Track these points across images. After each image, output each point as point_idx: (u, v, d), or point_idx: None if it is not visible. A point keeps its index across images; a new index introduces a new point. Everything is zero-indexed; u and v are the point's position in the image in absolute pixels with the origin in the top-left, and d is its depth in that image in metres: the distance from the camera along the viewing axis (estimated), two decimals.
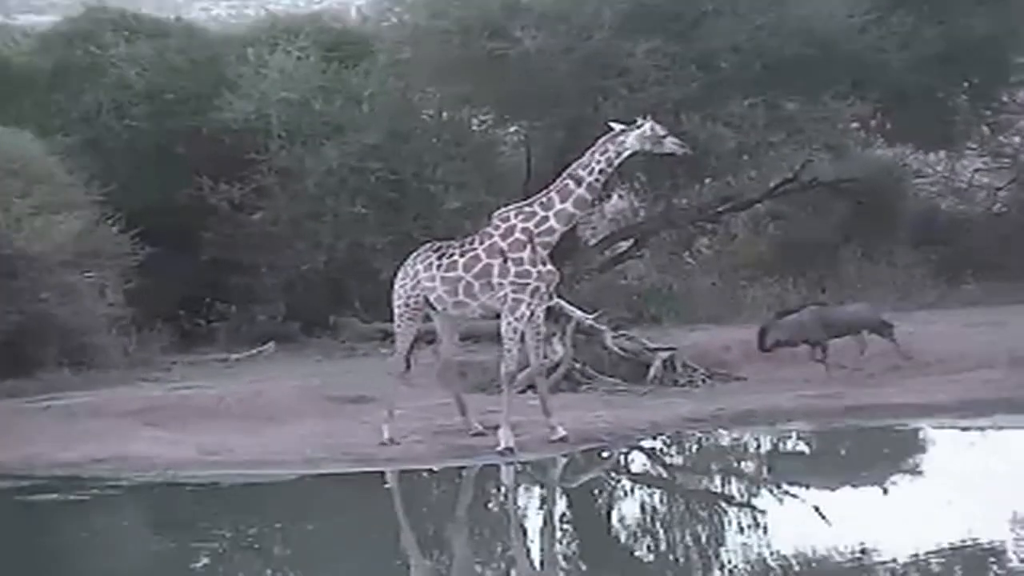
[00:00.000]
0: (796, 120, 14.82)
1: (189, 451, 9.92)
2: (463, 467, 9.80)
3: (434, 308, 10.06)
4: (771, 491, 9.30)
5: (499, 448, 9.68)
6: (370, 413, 10.73)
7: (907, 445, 10.59)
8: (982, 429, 10.62)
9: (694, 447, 10.78)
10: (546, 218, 9.65)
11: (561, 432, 9.98)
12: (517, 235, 9.67)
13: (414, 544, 8.20)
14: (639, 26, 14.06)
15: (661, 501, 9.38)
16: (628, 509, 9.00)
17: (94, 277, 12.72)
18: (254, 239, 14.97)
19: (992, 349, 11.98)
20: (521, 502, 9.32)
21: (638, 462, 10.51)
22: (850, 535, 7.72)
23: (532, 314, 9.74)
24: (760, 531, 8.15)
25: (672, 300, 15.06)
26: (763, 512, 8.62)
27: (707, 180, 17.17)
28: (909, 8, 14.78)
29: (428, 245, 10.20)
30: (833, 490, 9.21)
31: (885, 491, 9.16)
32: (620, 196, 19.19)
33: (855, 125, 16.12)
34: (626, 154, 9.67)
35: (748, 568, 7.39)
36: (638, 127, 9.62)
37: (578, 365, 12.16)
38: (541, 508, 9.23)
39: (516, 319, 9.64)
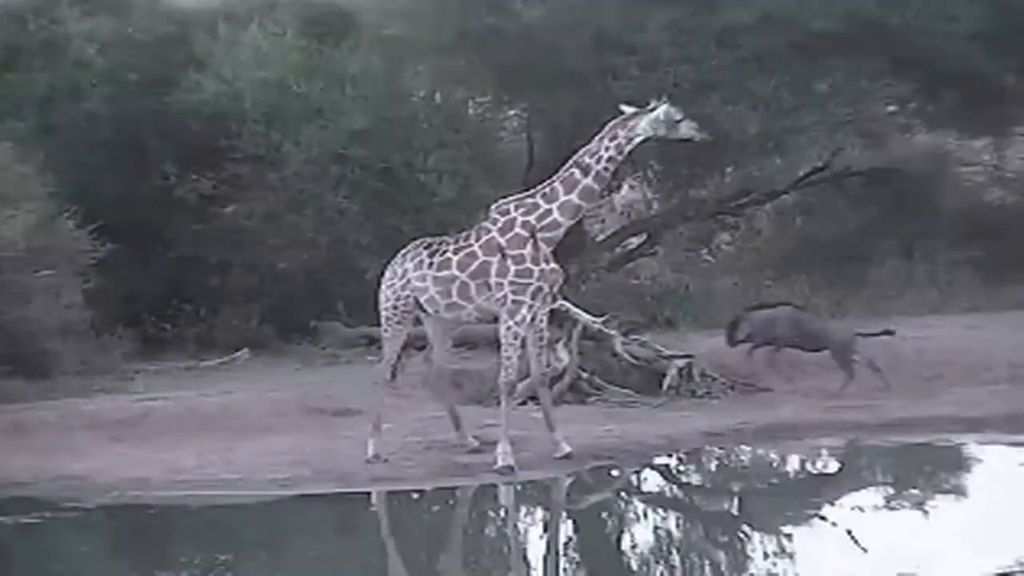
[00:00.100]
0: (827, 103, 14.82)
1: (153, 469, 9.89)
2: (457, 487, 9.78)
3: (425, 311, 10.04)
4: (799, 514, 9.27)
5: (497, 466, 9.65)
6: (354, 427, 10.71)
7: (949, 462, 10.56)
8: None
9: (714, 465, 10.75)
10: (549, 211, 9.63)
11: (566, 448, 9.96)
12: (517, 230, 9.65)
13: (402, 574, 8.16)
14: None
15: (677, 526, 9.35)
16: (640, 535, 8.97)
17: (48, 277, 12.67)
18: (226, 234, 14.98)
19: None
20: (521, 527, 9.28)
21: (651, 482, 10.49)
22: (888, 564, 7.69)
23: (534, 317, 9.71)
24: (787, 559, 8.12)
25: (689, 302, 15.06)
26: (790, 538, 8.58)
27: (728, 169, 17.23)
28: None
29: (419, 241, 10.18)
30: (869, 513, 9.17)
31: (926, 514, 9.13)
32: (631, 187, 19.22)
33: (892, 108, 16.12)
34: (638, 140, 9.64)
35: None
36: (651, 110, 9.60)
37: (585, 374, 12.17)
38: (544, 533, 9.19)
39: (516, 323, 9.62)
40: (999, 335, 13.02)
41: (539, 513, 9.72)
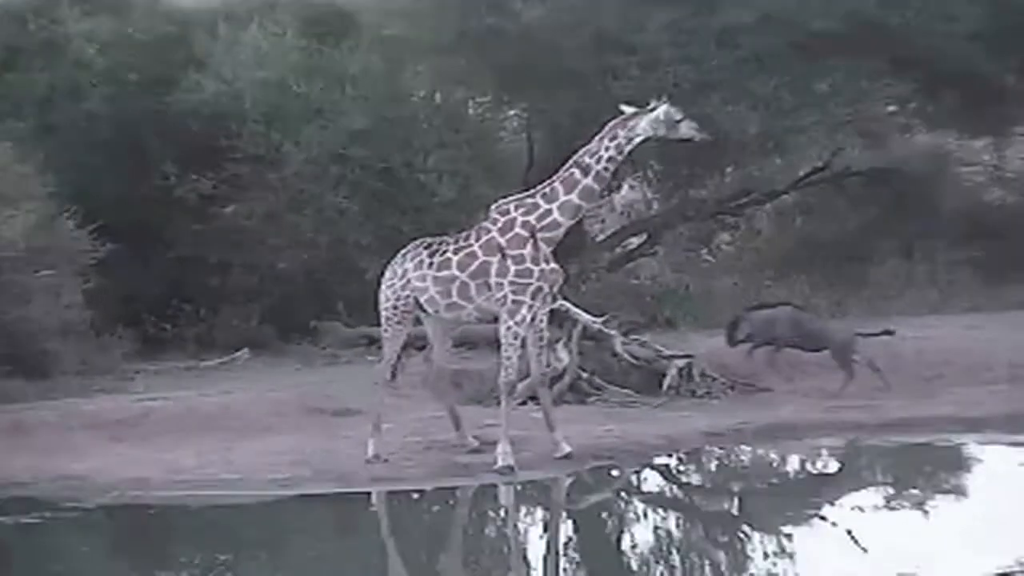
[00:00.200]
0: (827, 103, 14.81)
1: (154, 469, 9.89)
2: (457, 488, 9.77)
3: (425, 311, 10.03)
4: (799, 514, 9.26)
5: (497, 466, 9.65)
6: (354, 427, 10.71)
7: (949, 462, 10.55)
8: None
9: (714, 465, 10.75)
10: (549, 211, 9.62)
11: (566, 448, 9.95)
12: (517, 230, 9.65)
13: (402, 575, 8.15)
14: None
15: (678, 526, 9.35)
16: (641, 535, 8.96)
17: (48, 277, 12.67)
18: (226, 234, 14.98)
19: None
20: (522, 527, 9.27)
21: (652, 482, 10.48)
22: (889, 565, 7.68)
23: (534, 317, 9.71)
24: (787, 559, 8.12)
25: (689, 302, 15.05)
26: (790, 538, 8.58)
27: (728, 169, 17.23)
28: None
29: (419, 241, 10.17)
30: (869, 513, 9.17)
31: (926, 514, 9.12)
32: (631, 187, 19.21)
33: (892, 108, 16.12)
34: (638, 140, 9.64)
35: None
36: (651, 110, 9.59)
37: (585, 374, 12.17)
38: (544, 534, 9.18)
39: (516, 323, 9.61)
40: (999, 335, 13.03)
41: (539, 513, 9.72)
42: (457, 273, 9.76)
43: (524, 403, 11.15)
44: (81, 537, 9.04)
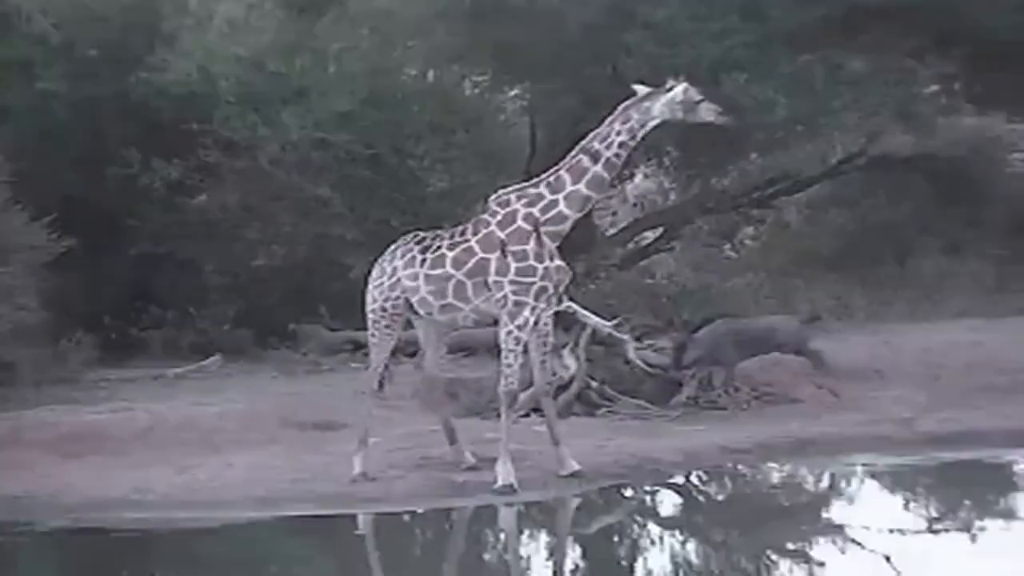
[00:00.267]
0: (863, 82, 14.80)
1: (115, 489, 9.90)
2: (452, 509, 9.78)
3: (417, 313, 10.04)
4: (832, 539, 9.26)
5: (497, 485, 9.65)
6: (338, 442, 10.72)
7: (1000, 482, 10.55)
8: None
9: (737, 485, 10.74)
10: (555, 202, 9.62)
11: (573, 466, 9.96)
12: (519, 223, 9.65)
13: None
14: None
15: (697, 552, 9.34)
16: (655, 562, 8.96)
17: (0, 275, 12.69)
18: (196, 228, 15.00)
19: None
20: (524, 552, 9.28)
21: (668, 503, 10.49)
22: None
23: (537, 320, 9.71)
24: None
25: (709, 303, 14.99)
26: (822, 566, 8.58)
27: (753, 156, 17.22)
28: None
29: (410, 236, 10.18)
30: (911, 538, 9.17)
31: (974, 539, 9.12)
32: (646, 175, 19.25)
33: (936, 88, 16.10)
34: (653, 124, 9.64)
35: None
36: (668, 91, 9.59)
37: (594, 383, 12.17)
38: (549, 560, 9.19)
39: (518, 326, 9.62)
40: None
41: (543, 538, 9.73)
42: (452, 271, 9.76)
43: (527, 415, 11.15)
44: (33, 564, 9.04)
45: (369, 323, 10.21)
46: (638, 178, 19.43)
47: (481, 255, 9.69)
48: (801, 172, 17.67)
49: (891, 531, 9.23)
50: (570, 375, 12.01)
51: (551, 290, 9.71)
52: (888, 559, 8.49)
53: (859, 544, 9.09)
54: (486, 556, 9.33)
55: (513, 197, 9.74)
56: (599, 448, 10.61)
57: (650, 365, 12.38)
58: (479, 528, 9.68)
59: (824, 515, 10.05)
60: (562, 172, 9.66)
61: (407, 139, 14.82)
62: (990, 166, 17.84)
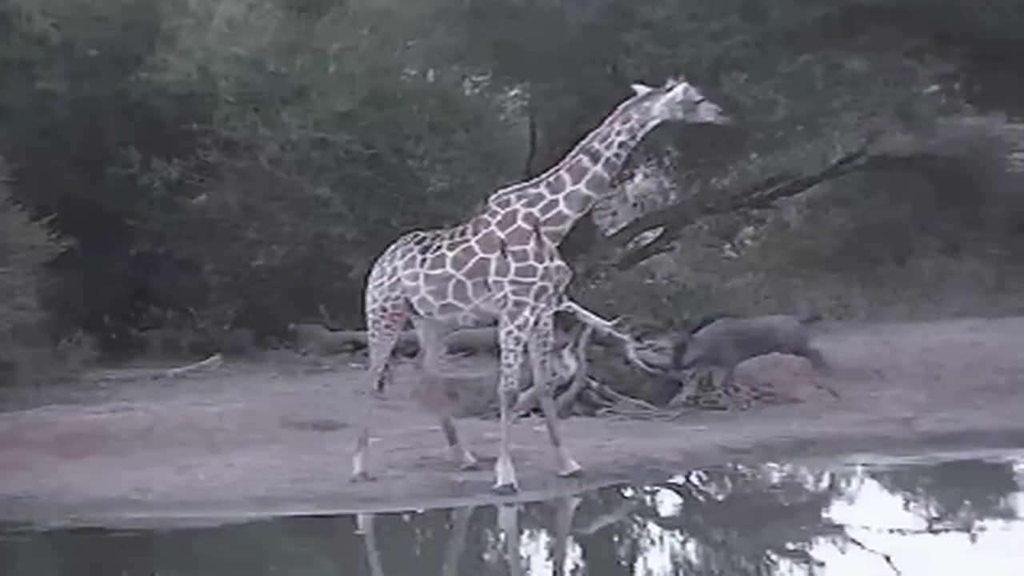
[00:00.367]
0: (863, 82, 14.79)
1: (115, 489, 9.89)
2: (452, 509, 9.77)
3: (417, 313, 10.03)
4: (833, 540, 9.26)
5: (497, 485, 9.64)
6: (338, 442, 10.71)
7: (1000, 482, 10.55)
8: None
9: (737, 484, 10.74)
10: (555, 202, 9.62)
11: (573, 465, 9.95)
12: (519, 223, 9.64)
13: None
14: None
15: (697, 552, 9.34)
16: (656, 561, 8.96)
17: (0, 275, 12.68)
18: (195, 228, 14.98)
19: None
20: (524, 552, 9.28)
21: (668, 503, 10.48)
22: None
23: (537, 320, 9.71)
24: None
25: (709, 303, 14.98)
26: (823, 565, 8.57)
27: (753, 156, 17.21)
28: None
29: (410, 236, 10.17)
30: (910, 537, 9.16)
31: (974, 539, 9.11)
32: (646, 175, 19.23)
33: (936, 88, 16.09)
34: (653, 123, 9.63)
35: None
36: (668, 90, 9.59)
37: (594, 383, 12.16)
38: (549, 560, 9.19)
39: (518, 327, 9.61)
40: None
41: (543, 538, 9.72)
42: (452, 271, 9.76)
43: (527, 415, 11.14)
44: (32, 565, 9.03)
45: (369, 323, 10.20)
46: (638, 178, 19.42)
47: (481, 255, 9.68)
48: (801, 172, 17.65)
49: (891, 531, 9.22)
50: (570, 375, 12.00)
51: (551, 290, 9.71)
52: (888, 559, 8.48)
53: (859, 544, 9.08)
54: (486, 556, 9.33)
55: (513, 197, 9.73)
56: (599, 448, 10.60)
57: (650, 365, 12.37)
58: (479, 528, 9.68)
59: (824, 515, 10.05)
60: (562, 172, 9.65)
61: (407, 139, 14.81)
62: (990, 166, 17.83)
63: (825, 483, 10.93)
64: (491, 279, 9.64)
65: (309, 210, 14.67)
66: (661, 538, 9.59)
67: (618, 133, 9.57)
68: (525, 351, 9.76)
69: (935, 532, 9.35)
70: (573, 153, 9.67)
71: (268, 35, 14.72)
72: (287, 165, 14.53)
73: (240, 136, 14.46)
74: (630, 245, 17.96)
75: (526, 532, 9.70)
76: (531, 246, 9.60)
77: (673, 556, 9.09)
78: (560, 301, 10.21)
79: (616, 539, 9.61)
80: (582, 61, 14.57)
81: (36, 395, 12.55)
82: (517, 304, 9.59)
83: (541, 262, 9.60)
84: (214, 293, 15.20)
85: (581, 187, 9.59)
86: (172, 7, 15.18)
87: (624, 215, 19.69)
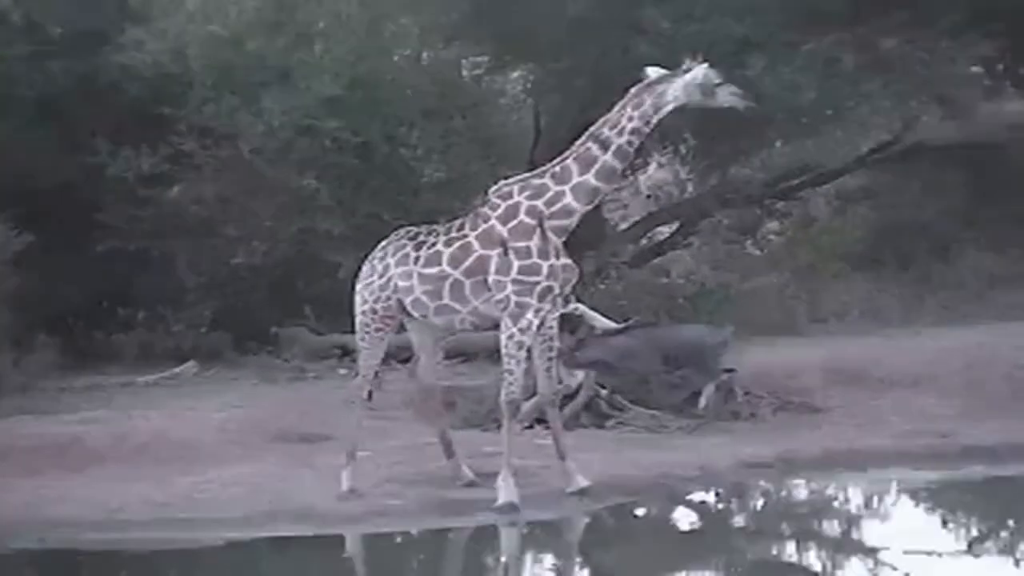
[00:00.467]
0: (897, 63, 14.82)
1: (83, 507, 9.92)
2: (450, 529, 9.80)
3: (411, 315, 10.07)
4: (863, 563, 9.29)
5: (498, 503, 9.68)
6: (325, 456, 10.75)
7: None
8: None
9: (759, 501, 10.77)
10: (561, 194, 9.65)
11: (581, 482, 9.99)
12: (522, 217, 9.67)
13: None
14: None
15: (716, 574, 9.38)
16: None
17: None
18: (169, 223, 15.00)
19: None
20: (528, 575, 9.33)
21: (684, 521, 10.51)
22: None
23: (542, 323, 9.74)
24: None
25: (729, 304, 15.05)
26: None
27: (777, 144, 17.22)
28: None
29: (403, 231, 10.21)
30: (949, 561, 9.20)
31: (1018, 564, 9.14)
32: (660, 165, 19.25)
33: (976, 70, 16.12)
34: (668, 108, 9.65)
35: None
36: (685, 72, 9.62)
37: (604, 391, 12.19)
38: None
39: (520, 330, 9.64)
40: None
41: (548, 561, 9.75)
42: (449, 270, 9.79)
43: (531, 427, 11.18)
44: None
45: (358, 326, 10.23)
46: (652, 168, 19.46)
47: (480, 252, 9.71)
48: (829, 162, 17.69)
49: (928, 554, 9.26)
50: (577, 383, 12.02)
51: (557, 290, 9.73)
52: None
53: (892, 568, 9.12)
54: None
55: (515, 189, 9.76)
56: (609, 463, 10.62)
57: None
58: (479, 550, 9.70)
59: (853, 536, 10.07)
60: (569, 161, 9.67)
61: (399, 126, 14.84)
62: None
63: (854, 501, 10.96)
64: (491, 278, 9.67)
65: (293, 203, 14.71)
66: (676, 561, 9.62)
67: (630, 119, 9.59)
68: (528, 357, 9.79)
69: (976, 555, 9.37)
70: (581, 141, 9.69)
71: (248, 12, 14.74)
72: (269, 154, 14.57)
73: (217, 123, 14.49)
74: (643, 241, 18.01)
75: (530, 554, 9.73)
76: (535, 242, 9.63)
77: None
78: (567, 302, 10.25)
79: (627, 562, 9.63)
80: (590, 40, 14.60)
81: None
82: (520, 305, 9.62)
83: (546, 260, 9.63)
84: (189, 293, 15.25)
85: (589, 178, 9.62)
86: None
87: (637, 208, 19.73)
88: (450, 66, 15.89)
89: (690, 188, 19.52)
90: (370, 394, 10.33)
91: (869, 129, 16.87)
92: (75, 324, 14.65)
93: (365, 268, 10.23)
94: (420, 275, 9.87)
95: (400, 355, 11.47)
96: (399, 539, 9.83)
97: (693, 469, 10.71)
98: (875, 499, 10.93)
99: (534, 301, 9.62)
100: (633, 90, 9.65)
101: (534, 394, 10.48)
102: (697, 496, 10.59)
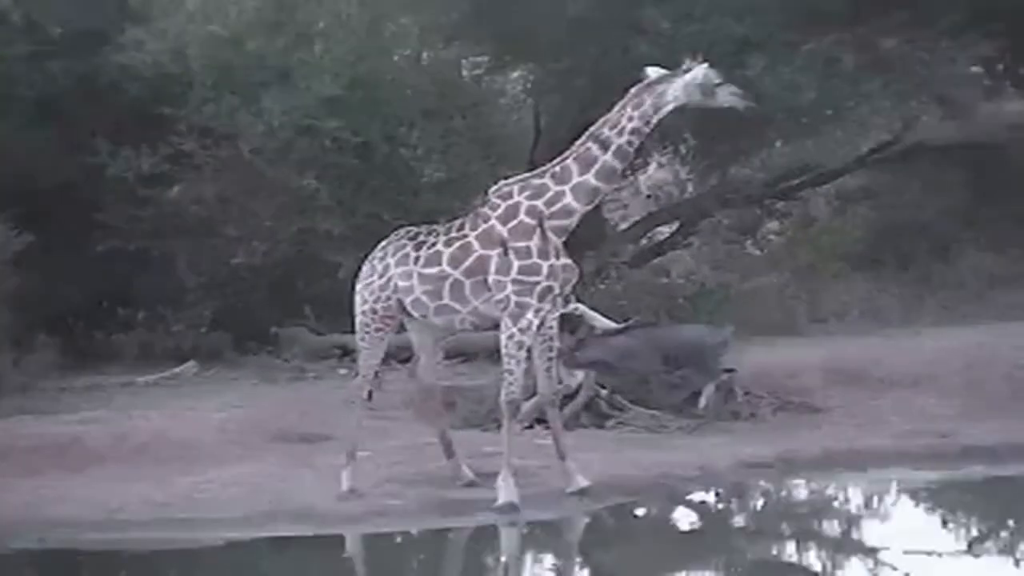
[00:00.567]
0: (897, 63, 14.82)
1: (82, 507, 9.92)
2: (450, 529, 9.80)
3: (411, 315, 10.07)
4: (864, 564, 9.29)
5: (498, 503, 9.68)
6: (325, 456, 10.75)
7: None
8: None
9: (759, 501, 10.77)
10: (561, 194, 9.65)
11: (581, 482, 9.99)
12: (522, 217, 9.67)
13: None
14: None
15: (717, 575, 9.38)
16: None
17: None
18: (169, 223, 15.00)
19: None
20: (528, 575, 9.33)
21: (684, 521, 10.51)
22: None
23: (542, 323, 9.74)
24: None
25: (729, 304, 15.06)
26: None
27: (777, 144, 17.22)
28: None
29: (403, 231, 10.21)
30: (949, 561, 9.19)
31: (1018, 564, 9.14)
32: (660, 165, 19.27)
33: (976, 70, 16.12)
34: (668, 108, 9.65)
35: None
36: (685, 72, 9.62)
37: (604, 391, 12.19)
38: None
39: (520, 330, 9.64)
40: None
41: (548, 560, 9.75)
42: (449, 270, 9.79)
43: (530, 427, 11.18)
44: None
45: (358, 326, 10.23)
46: (652, 168, 19.48)
47: (480, 252, 9.71)
48: (829, 162, 17.68)
49: (928, 554, 9.26)
50: (577, 383, 12.02)
51: (557, 290, 9.74)
52: None
53: (893, 568, 9.12)
54: None
55: (515, 189, 9.76)
56: (609, 463, 10.62)
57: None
58: (479, 550, 9.70)
59: (854, 537, 10.07)
60: (569, 161, 9.68)
61: (399, 126, 14.84)
62: None
63: (855, 501, 10.96)
64: (491, 278, 9.67)
65: (293, 203, 14.70)
66: (676, 561, 9.62)
67: (630, 119, 9.59)
68: (528, 357, 9.79)
69: (976, 555, 9.36)
70: (581, 141, 9.69)
71: (248, 12, 14.73)
72: (269, 154, 14.56)
73: (217, 123, 14.48)
74: (643, 241, 18.00)
75: (530, 555, 9.73)
76: (535, 242, 9.63)
77: None
78: (567, 302, 10.24)
79: (627, 563, 9.63)
80: (591, 40, 14.59)
81: None
82: (520, 305, 9.62)
83: (546, 260, 9.64)
84: (189, 294, 15.24)
85: (589, 178, 9.62)
86: None
87: (637, 208, 19.74)
88: (450, 66, 15.89)
89: (690, 188, 19.53)
90: (370, 394, 10.33)
91: (869, 129, 16.87)
92: (75, 324, 14.65)
93: (365, 268, 10.23)
94: (420, 275, 9.87)
95: (400, 355, 11.47)
96: (399, 539, 9.84)
97: (693, 469, 10.71)
98: (875, 499, 10.93)
99: (534, 301, 9.62)
100: (633, 90, 9.65)
101: (534, 394, 10.48)
102: (697, 496, 10.59)
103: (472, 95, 15.82)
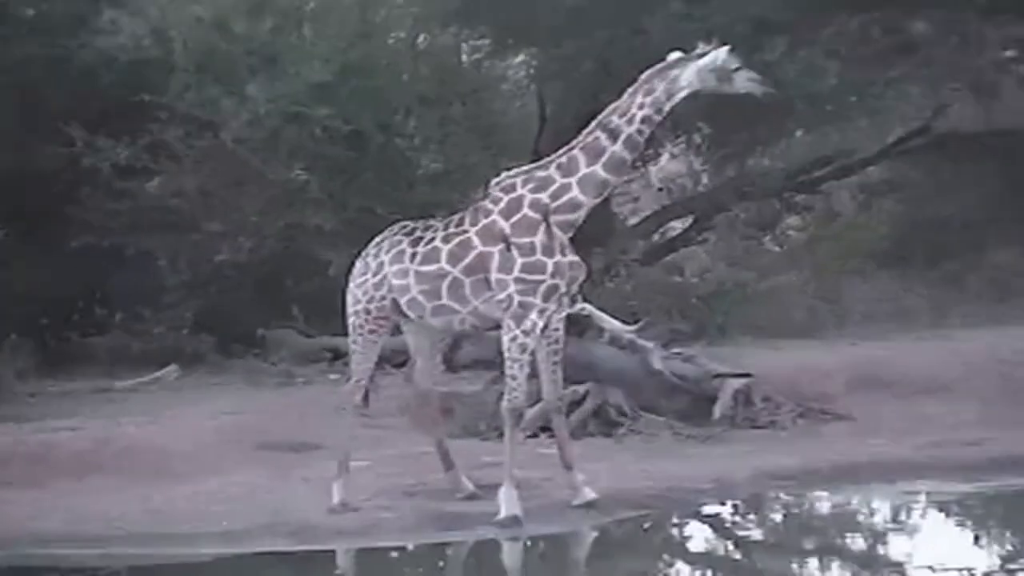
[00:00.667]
0: (926, 47, 14.82)
1: (56, 520, 9.93)
2: (448, 544, 9.81)
3: (406, 316, 10.08)
4: None
5: (500, 517, 9.68)
6: (315, 466, 10.76)
7: None
8: None
9: (779, 516, 10.77)
10: (567, 187, 9.65)
11: (588, 494, 9.99)
12: (525, 211, 9.68)
13: None
14: None
15: None
16: None
17: None
18: (148, 218, 15.02)
19: None
20: None
21: (699, 537, 10.51)
22: None
23: (547, 324, 9.75)
24: None
25: (747, 305, 15.08)
26: None
27: (798, 133, 17.23)
28: None
29: (398, 226, 10.22)
30: None
31: None
32: (673, 156, 19.27)
33: (1011, 54, 16.13)
34: (681, 95, 9.65)
35: None
36: (700, 57, 9.61)
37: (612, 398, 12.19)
38: None
39: (524, 332, 9.64)
40: None
41: None
42: (448, 268, 9.79)
43: (534, 435, 11.18)
44: None
45: (350, 328, 10.24)
46: (664, 159, 19.48)
47: (481, 249, 9.71)
48: (854, 152, 17.69)
49: (959, 571, 9.26)
50: (585, 388, 12.04)
51: (562, 289, 9.74)
52: None
53: None
54: None
55: (518, 181, 9.77)
56: (618, 474, 10.63)
57: (678, 377, 12.40)
58: (478, 566, 9.71)
59: (880, 553, 10.07)
60: (575, 152, 9.68)
61: (394, 114, 14.87)
62: None
63: (881, 515, 10.96)
64: (493, 277, 9.67)
65: (281, 196, 14.72)
66: None
67: (640, 106, 9.58)
68: (532, 360, 9.79)
69: (1010, 572, 9.36)
70: (588, 130, 9.69)
71: None
72: (254, 144, 14.58)
73: (200, 111, 14.51)
74: (655, 237, 18.02)
75: (533, 571, 9.73)
76: (539, 238, 9.63)
77: None
78: (573, 302, 10.25)
79: None
80: (598, 22, 14.60)
81: None
82: (523, 306, 9.62)
83: (551, 257, 9.63)
84: (170, 293, 15.27)
85: (598, 169, 9.62)
86: None
87: (648, 202, 19.76)
88: (448, 50, 15.92)
89: (705, 180, 19.56)
90: (364, 400, 10.32)
91: (896, 117, 16.89)
92: (47, 325, 14.66)
93: (358, 266, 10.24)
94: (417, 273, 9.88)
95: (395, 359, 11.46)
96: (394, 554, 9.84)
97: (707, 480, 10.72)
98: (902, 513, 10.92)
99: (538, 301, 9.62)
100: (644, 75, 9.64)
101: (538, 400, 10.48)
102: (711, 509, 10.59)
103: (472, 81, 15.84)
